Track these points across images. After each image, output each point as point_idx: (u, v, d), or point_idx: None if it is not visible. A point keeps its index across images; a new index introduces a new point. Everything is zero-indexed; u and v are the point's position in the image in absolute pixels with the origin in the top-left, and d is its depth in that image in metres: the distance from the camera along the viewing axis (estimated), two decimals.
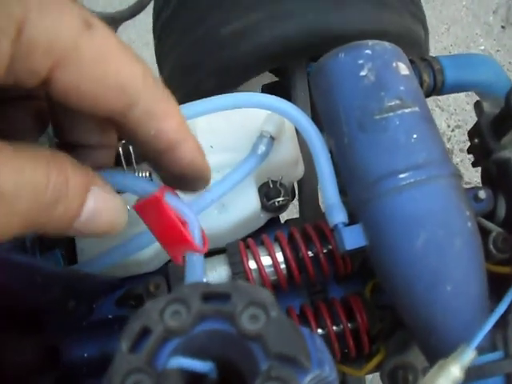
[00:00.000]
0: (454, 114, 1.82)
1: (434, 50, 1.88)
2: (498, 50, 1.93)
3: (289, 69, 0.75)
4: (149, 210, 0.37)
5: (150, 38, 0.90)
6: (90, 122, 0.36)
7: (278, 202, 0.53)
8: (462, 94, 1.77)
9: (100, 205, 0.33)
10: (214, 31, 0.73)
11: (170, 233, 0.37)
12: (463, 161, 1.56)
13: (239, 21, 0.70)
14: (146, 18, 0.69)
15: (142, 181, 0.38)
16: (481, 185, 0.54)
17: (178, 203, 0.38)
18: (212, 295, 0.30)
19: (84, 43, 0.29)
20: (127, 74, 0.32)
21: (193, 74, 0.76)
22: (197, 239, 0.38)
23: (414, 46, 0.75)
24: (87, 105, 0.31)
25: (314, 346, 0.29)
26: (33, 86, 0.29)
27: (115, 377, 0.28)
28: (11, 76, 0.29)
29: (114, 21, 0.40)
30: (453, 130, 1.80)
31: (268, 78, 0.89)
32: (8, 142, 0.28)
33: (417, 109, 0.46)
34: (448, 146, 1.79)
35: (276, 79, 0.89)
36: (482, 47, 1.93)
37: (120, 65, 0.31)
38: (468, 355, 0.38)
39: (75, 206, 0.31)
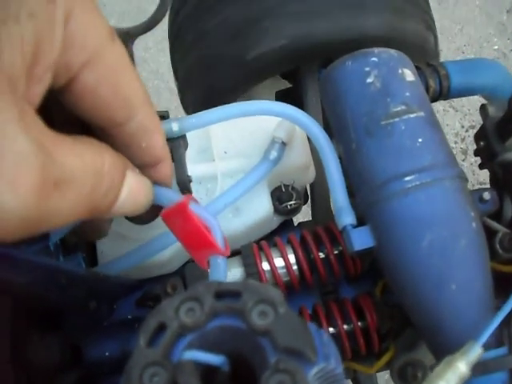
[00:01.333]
0: (468, 115, 1.82)
1: (447, 51, 1.88)
2: (511, 50, 1.93)
3: (301, 76, 0.76)
4: (174, 218, 0.39)
5: (165, 44, 0.93)
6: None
7: (290, 205, 0.55)
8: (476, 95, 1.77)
9: (134, 186, 0.35)
10: (227, 35, 0.75)
11: (196, 238, 0.39)
12: (478, 161, 1.56)
13: (254, 24, 0.72)
14: (162, 25, 0.72)
15: (167, 190, 0.40)
16: None
17: (202, 210, 0.40)
18: (224, 293, 0.32)
19: (108, 50, 0.32)
20: (133, 88, 0.35)
21: (208, 74, 0.78)
22: (220, 243, 0.40)
23: (423, 52, 0.76)
24: (97, 109, 0.34)
25: (320, 340, 0.31)
26: (63, 82, 0.32)
27: (134, 369, 0.30)
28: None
29: (130, 35, 0.42)
30: (467, 131, 1.81)
31: (282, 84, 0.91)
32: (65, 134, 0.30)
33: (422, 114, 0.48)
34: (462, 146, 1.79)
35: (289, 85, 0.91)
36: (496, 47, 1.93)
37: (129, 78, 0.35)
38: (475, 352, 0.39)
39: (119, 189, 0.34)
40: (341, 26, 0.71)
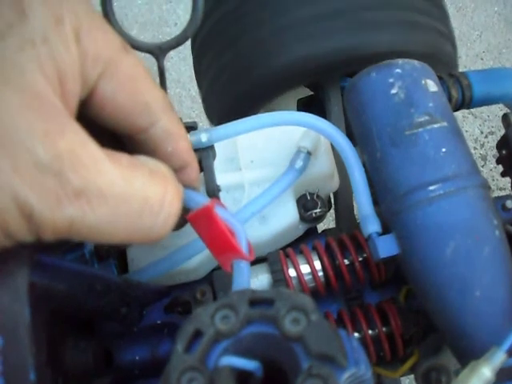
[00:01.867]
0: (488, 121, 1.82)
1: (465, 58, 1.88)
2: None
3: (323, 84, 0.78)
4: (200, 221, 0.41)
5: (186, 53, 0.94)
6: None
7: (315, 213, 0.56)
8: None
9: (174, 197, 0.36)
10: (253, 46, 0.77)
11: (220, 241, 0.41)
12: (497, 167, 1.57)
13: (278, 36, 0.73)
14: None
15: (195, 194, 0.41)
16: None
17: (227, 215, 0.41)
18: (258, 301, 0.33)
19: (123, 60, 0.34)
20: (152, 94, 0.37)
21: (232, 86, 0.79)
22: (244, 248, 0.41)
23: (442, 63, 0.77)
24: (119, 117, 0.36)
25: (350, 346, 0.32)
26: (84, 96, 0.34)
27: (172, 374, 0.31)
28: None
29: (161, 50, 0.44)
30: (486, 137, 1.81)
31: (303, 92, 0.92)
32: (128, 155, 0.33)
33: (445, 124, 0.49)
34: (481, 152, 1.79)
35: (311, 93, 0.92)
36: None
37: (147, 86, 0.36)
38: (499, 357, 0.40)
39: (174, 219, 0.36)
40: (358, 41, 0.73)
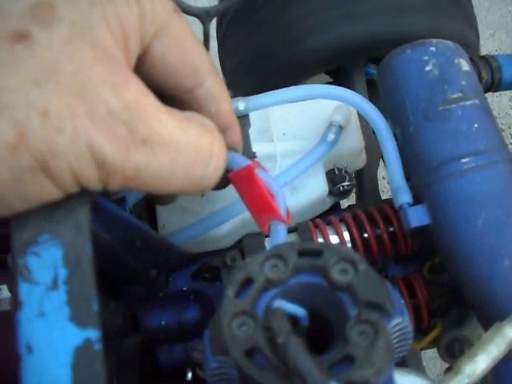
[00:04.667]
0: (498, 118, 1.83)
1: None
2: None
3: (347, 69, 0.79)
4: (242, 181, 0.42)
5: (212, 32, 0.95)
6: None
7: (343, 186, 0.58)
8: (505, 99, 1.78)
9: (220, 154, 0.37)
10: (279, 31, 0.78)
11: (260, 202, 0.42)
12: None
13: (305, 20, 0.74)
14: None
15: (237, 155, 0.42)
16: None
17: (268, 177, 0.42)
18: (306, 252, 0.34)
19: (174, 22, 0.36)
20: (200, 56, 0.38)
21: (258, 70, 0.80)
22: (282, 210, 0.42)
23: (467, 49, 0.78)
24: (168, 77, 0.37)
25: (395, 297, 0.33)
26: (139, 54, 0.35)
27: (224, 318, 0.32)
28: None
29: (208, 14, 0.45)
30: None
31: (323, 79, 0.93)
32: (181, 111, 0.34)
33: (477, 101, 0.50)
34: None
35: (330, 80, 0.93)
36: None
37: (195, 48, 0.38)
38: None
39: (221, 169, 0.37)
40: (384, 25, 0.74)
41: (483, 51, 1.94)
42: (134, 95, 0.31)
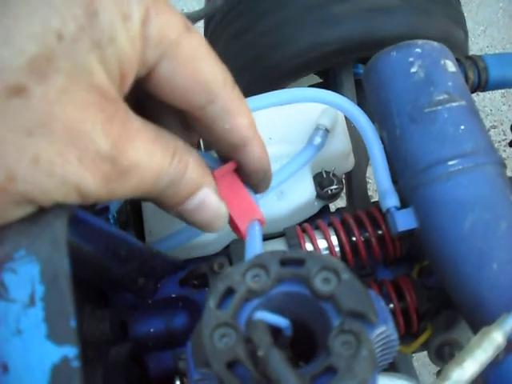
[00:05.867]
0: (490, 115, 1.83)
1: (470, 52, 1.89)
2: None
3: (336, 70, 0.79)
4: (224, 179, 0.42)
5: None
6: (176, 120, 0.41)
7: (331, 190, 0.57)
8: (498, 95, 1.78)
9: (206, 204, 0.38)
10: (265, 34, 0.78)
11: (240, 200, 0.42)
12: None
13: (283, 27, 0.75)
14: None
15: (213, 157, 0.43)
16: None
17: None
18: (289, 261, 0.33)
19: (184, 41, 0.34)
20: (212, 73, 0.37)
21: (245, 73, 0.80)
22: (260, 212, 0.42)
23: (454, 48, 0.78)
24: (176, 96, 0.36)
25: (379, 306, 0.33)
26: (142, 74, 0.34)
27: (205, 330, 0.31)
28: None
29: (190, 19, 0.45)
30: (489, 130, 1.82)
31: (313, 80, 0.93)
32: (155, 127, 0.35)
33: (463, 103, 0.50)
34: None
35: (320, 81, 0.93)
36: None
37: (208, 64, 0.37)
38: (509, 323, 0.41)
39: (183, 194, 0.37)
40: (368, 26, 0.74)
41: (475, 48, 1.96)
42: (118, 129, 0.31)
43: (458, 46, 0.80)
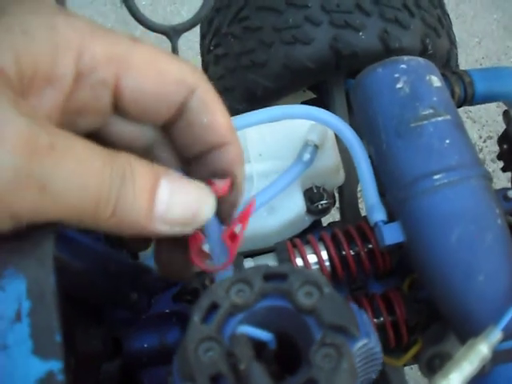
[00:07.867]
0: (486, 126, 1.84)
1: (465, 63, 1.90)
2: None
3: (327, 85, 0.79)
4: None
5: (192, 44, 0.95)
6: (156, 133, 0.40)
7: (322, 205, 0.58)
8: (493, 106, 1.79)
9: (173, 197, 0.34)
10: (244, 54, 0.79)
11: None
12: (495, 171, 1.58)
13: (294, 31, 0.76)
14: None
15: None
16: None
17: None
18: (272, 276, 0.34)
19: (135, 51, 0.35)
20: (178, 69, 0.36)
21: (234, 91, 0.81)
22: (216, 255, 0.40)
23: (436, 58, 0.79)
24: (153, 103, 0.36)
25: (361, 319, 0.33)
26: (108, 99, 0.35)
27: (190, 344, 0.32)
28: (88, 92, 0.34)
29: (176, 31, 0.45)
30: (484, 141, 1.82)
31: (305, 96, 0.94)
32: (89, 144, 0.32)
33: (449, 117, 0.51)
34: (480, 156, 1.81)
35: (314, 96, 0.94)
36: None
37: (170, 63, 0.36)
38: (495, 335, 0.41)
39: (144, 199, 0.33)
40: (346, 40, 0.76)
41: (470, 59, 1.97)
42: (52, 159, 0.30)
43: (441, 56, 0.80)
